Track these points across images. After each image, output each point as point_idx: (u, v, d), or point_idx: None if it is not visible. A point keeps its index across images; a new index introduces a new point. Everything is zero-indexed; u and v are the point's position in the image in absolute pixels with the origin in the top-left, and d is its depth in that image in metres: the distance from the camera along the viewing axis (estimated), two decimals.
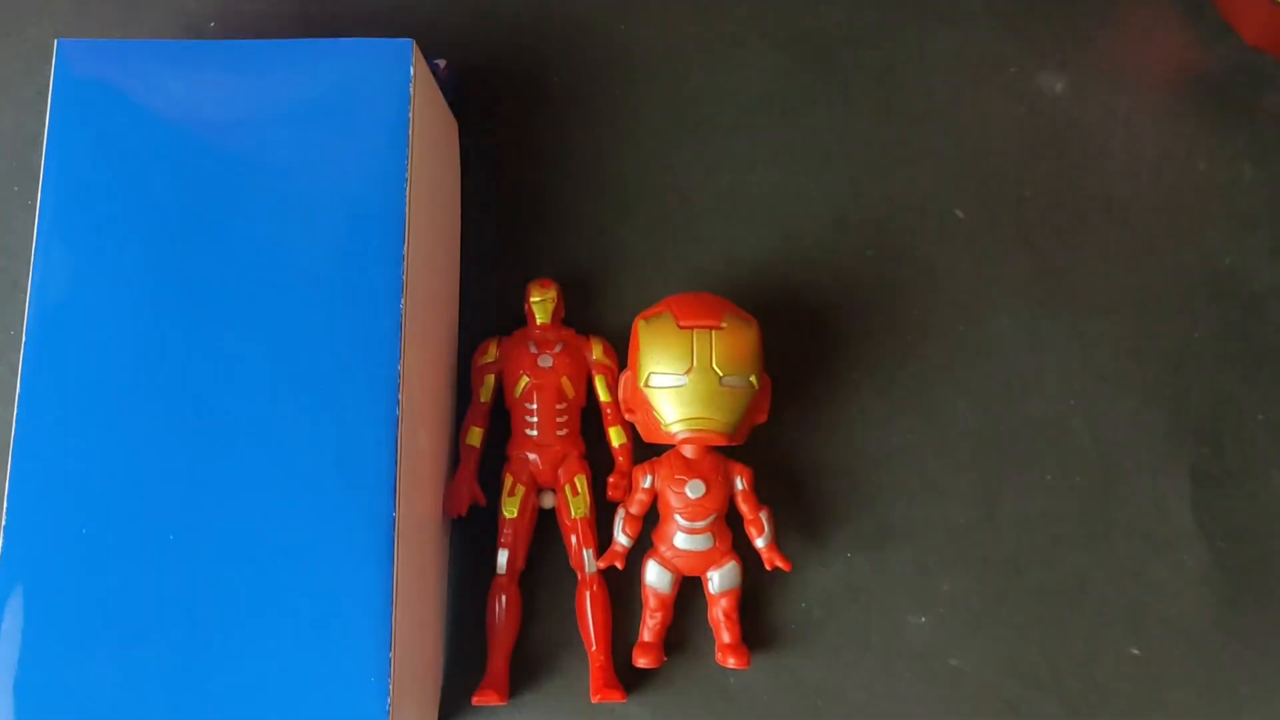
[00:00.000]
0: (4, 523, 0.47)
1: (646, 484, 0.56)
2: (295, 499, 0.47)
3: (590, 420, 0.59)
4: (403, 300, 0.49)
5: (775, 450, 0.59)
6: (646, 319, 0.56)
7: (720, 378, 0.54)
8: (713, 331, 0.54)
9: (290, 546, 0.47)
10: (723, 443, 0.54)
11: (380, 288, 0.49)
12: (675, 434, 0.54)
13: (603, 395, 0.58)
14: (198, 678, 0.46)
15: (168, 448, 0.48)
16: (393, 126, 0.51)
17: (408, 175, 0.50)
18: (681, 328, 0.54)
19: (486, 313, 0.61)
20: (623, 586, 0.58)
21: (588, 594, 0.56)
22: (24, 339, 0.49)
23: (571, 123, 0.64)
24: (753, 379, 0.55)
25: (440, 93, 0.58)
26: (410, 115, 0.51)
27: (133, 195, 0.50)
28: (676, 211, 0.63)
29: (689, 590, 0.57)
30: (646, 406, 0.55)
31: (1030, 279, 0.62)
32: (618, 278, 0.62)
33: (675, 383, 0.54)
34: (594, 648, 0.56)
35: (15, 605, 0.46)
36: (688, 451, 0.56)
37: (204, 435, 0.48)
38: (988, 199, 0.63)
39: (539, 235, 0.62)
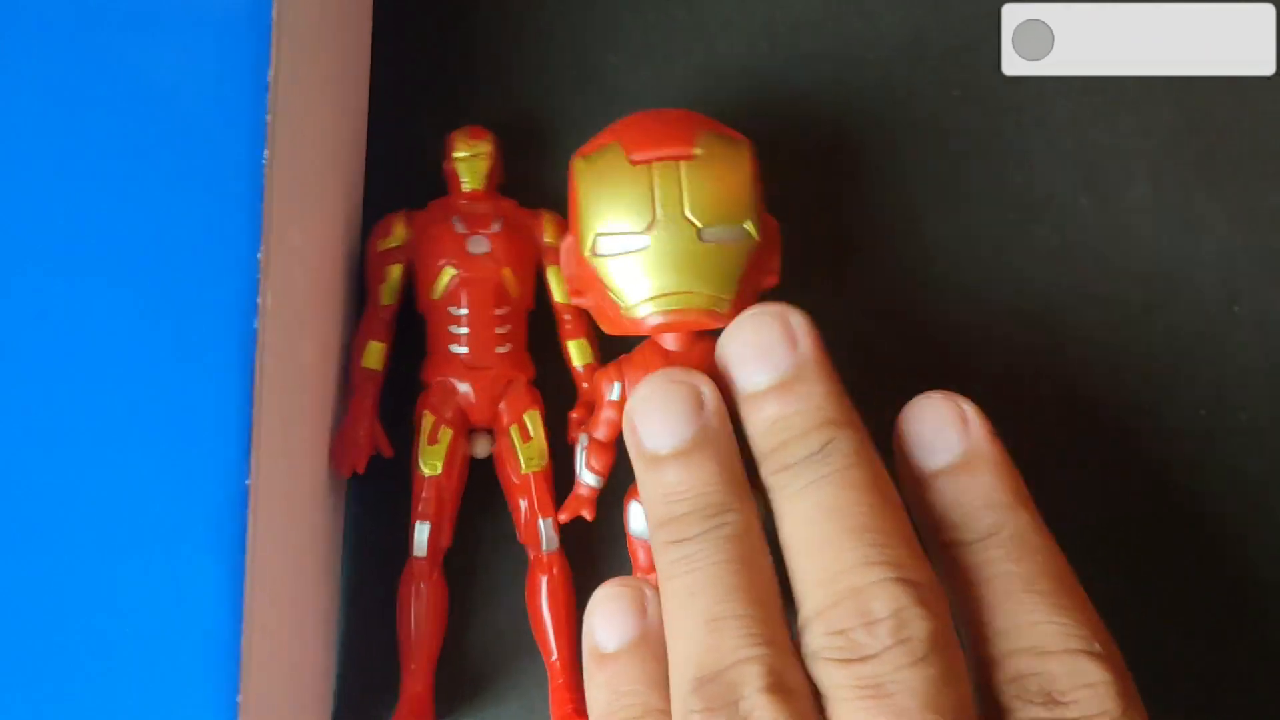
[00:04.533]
0: None
1: (614, 394, 0.39)
2: (94, 450, 0.31)
3: (541, 330, 0.42)
4: (265, 151, 0.32)
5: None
6: (587, 156, 0.38)
7: (699, 230, 0.36)
8: (681, 163, 0.36)
9: (92, 526, 0.31)
10: (716, 324, 0.37)
11: (230, 136, 0.32)
12: (643, 320, 0.36)
13: (560, 294, 0.41)
14: None
15: None
16: None
17: None
18: (635, 162, 0.37)
19: (403, 181, 0.43)
20: (592, 558, 0.41)
21: (544, 580, 0.40)
22: None
23: None
24: (748, 226, 0.36)
25: None
26: None
27: None
28: (683, 25, 0.44)
29: None
30: (597, 285, 0.37)
31: None
32: (590, 125, 0.42)
33: (634, 245, 0.37)
34: (554, 655, 0.39)
35: None
36: (669, 342, 0.38)
37: None
38: None
39: (473, 66, 0.44)
